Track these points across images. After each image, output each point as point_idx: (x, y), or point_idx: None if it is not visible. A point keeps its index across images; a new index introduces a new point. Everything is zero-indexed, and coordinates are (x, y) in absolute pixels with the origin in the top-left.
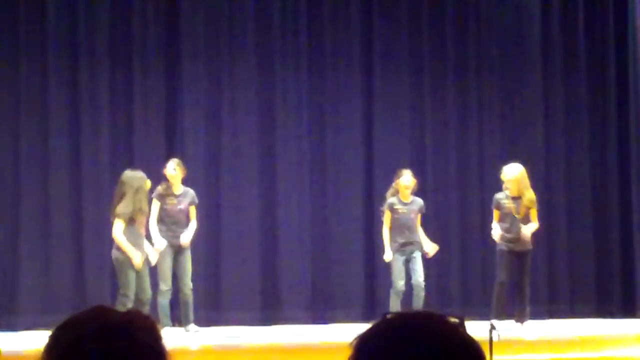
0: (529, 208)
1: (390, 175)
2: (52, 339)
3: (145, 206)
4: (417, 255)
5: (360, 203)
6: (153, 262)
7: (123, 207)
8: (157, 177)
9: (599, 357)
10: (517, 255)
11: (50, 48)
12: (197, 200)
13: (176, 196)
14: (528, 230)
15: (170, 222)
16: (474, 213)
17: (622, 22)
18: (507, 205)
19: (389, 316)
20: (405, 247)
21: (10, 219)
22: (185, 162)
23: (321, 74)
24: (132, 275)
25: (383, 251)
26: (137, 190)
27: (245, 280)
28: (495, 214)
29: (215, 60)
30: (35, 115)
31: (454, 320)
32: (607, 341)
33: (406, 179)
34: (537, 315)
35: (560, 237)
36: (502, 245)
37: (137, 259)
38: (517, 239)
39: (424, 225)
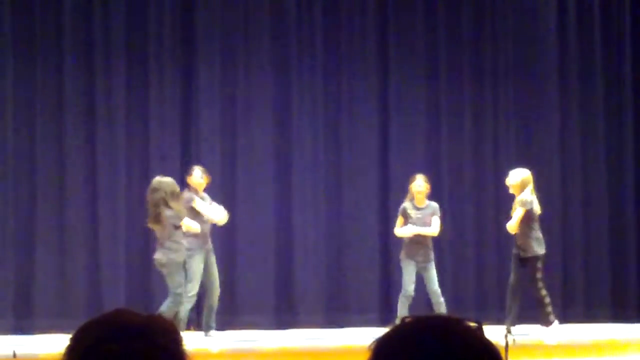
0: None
1: (406, 181)
2: (73, 340)
3: (183, 210)
4: (431, 265)
5: (375, 207)
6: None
7: (167, 214)
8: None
9: None
10: (521, 262)
11: (66, 49)
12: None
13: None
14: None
15: (203, 226)
16: (490, 217)
17: (638, 24)
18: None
19: (407, 320)
20: (419, 254)
21: (26, 222)
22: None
23: (337, 78)
24: (182, 276)
25: (400, 249)
26: (172, 194)
27: (261, 284)
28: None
29: (230, 64)
30: (50, 120)
31: (472, 324)
32: (622, 345)
33: (418, 184)
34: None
35: (575, 241)
36: (513, 249)
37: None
38: (519, 245)
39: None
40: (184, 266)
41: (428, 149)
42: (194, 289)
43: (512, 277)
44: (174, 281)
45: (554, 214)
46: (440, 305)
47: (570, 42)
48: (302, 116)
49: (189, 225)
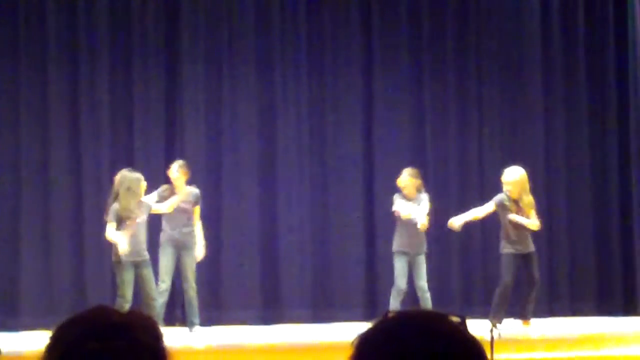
0: (527, 211)
1: (391, 175)
2: (53, 338)
3: (134, 207)
4: (421, 259)
5: (360, 202)
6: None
7: (112, 208)
8: (159, 177)
9: (599, 355)
10: (522, 258)
11: (49, 49)
12: (200, 201)
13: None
14: (522, 219)
15: (173, 222)
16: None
17: (622, 22)
18: (509, 207)
19: (390, 315)
20: (410, 248)
21: (10, 220)
22: (185, 162)
23: (321, 75)
24: (128, 276)
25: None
26: (127, 190)
27: (246, 280)
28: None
29: (215, 61)
30: (35, 117)
31: (455, 319)
32: (607, 339)
33: (401, 178)
34: (538, 313)
35: (560, 236)
36: (508, 249)
37: (123, 245)
38: (521, 241)
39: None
40: (133, 265)
41: (413, 144)
42: (164, 283)
43: (509, 277)
44: (117, 280)
45: (539, 206)
46: (426, 301)
47: (554, 38)
48: (287, 113)
49: (110, 235)
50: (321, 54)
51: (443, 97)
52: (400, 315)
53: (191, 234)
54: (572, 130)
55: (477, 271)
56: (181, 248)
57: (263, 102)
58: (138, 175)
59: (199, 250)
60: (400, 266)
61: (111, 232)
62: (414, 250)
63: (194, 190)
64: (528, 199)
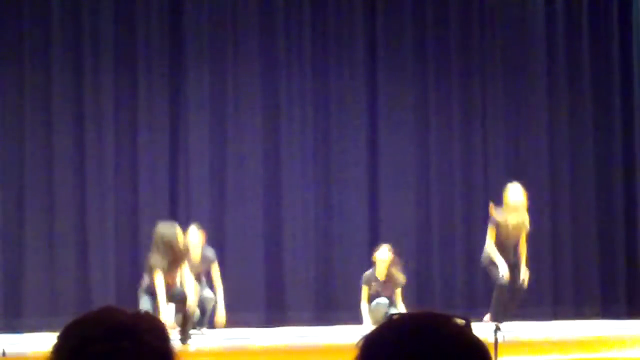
0: (520, 232)
1: (395, 179)
2: (60, 339)
3: (164, 261)
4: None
5: (364, 205)
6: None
7: (153, 260)
8: (163, 180)
9: (603, 358)
10: (510, 267)
11: (54, 51)
12: (216, 259)
13: (194, 266)
14: (525, 272)
15: None
16: (479, 216)
17: (626, 24)
18: (502, 225)
19: (394, 317)
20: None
21: (14, 221)
22: (190, 167)
23: (325, 77)
24: (145, 304)
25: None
26: (163, 243)
27: (250, 282)
28: (492, 231)
29: (219, 64)
30: (39, 118)
31: (460, 320)
32: (611, 342)
33: (380, 253)
34: (542, 316)
35: (564, 239)
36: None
37: (168, 320)
38: (515, 255)
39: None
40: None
41: (417, 146)
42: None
43: (503, 280)
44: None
45: (544, 211)
46: None
47: (559, 46)
48: (292, 116)
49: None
50: (325, 57)
51: (447, 99)
52: (405, 317)
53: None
54: (576, 136)
55: (480, 274)
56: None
57: (267, 106)
58: (171, 226)
59: (220, 314)
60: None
61: (162, 302)
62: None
63: (207, 252)
64: (527, 222)
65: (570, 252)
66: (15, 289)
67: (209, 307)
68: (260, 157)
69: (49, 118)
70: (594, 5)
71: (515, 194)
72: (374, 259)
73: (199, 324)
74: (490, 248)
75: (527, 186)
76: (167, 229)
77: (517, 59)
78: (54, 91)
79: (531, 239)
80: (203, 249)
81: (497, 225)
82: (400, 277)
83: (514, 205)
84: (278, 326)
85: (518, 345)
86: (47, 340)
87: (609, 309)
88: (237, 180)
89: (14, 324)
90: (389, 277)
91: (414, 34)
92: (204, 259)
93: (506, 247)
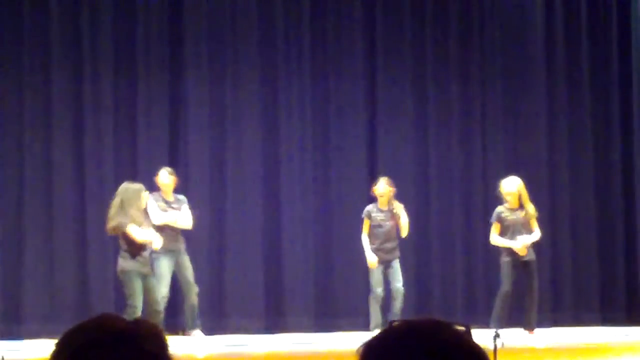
0: (529, 220)
1: (395, 186)
2: (59, 346)
3: (138, 218)
4: (396, 263)
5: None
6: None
7: (120, 218)
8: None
9: None
10: (522, 265)
11: (53, 55)
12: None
13: (170, 203)
14: (528, 239)
15: (169, 229)
16: (478, 222)
17: (625, 30)
18: (508, 217)
19: (395, 324)
20: (382, 253)
21: (14, 228)
22: (189, 171)
23: (324, 82)
24: (138, 284)
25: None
26: (130, 201)
27: (249, 288)
28: (497, 227)
29: (218, 68)
30: (38, 124)
31: (460, 327)
32: (611, 349)
33: (380, 187)
34: (541, 323)
35: (564, 245)
36: (506, 257)
37: (157, 240)
38: (524, 263)
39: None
40: (140, 273)
41: (416, 152)
42: (161, 291)
43: (507, 284)
44: (125, 291)
45: (543, 217)
46: (399, 303)
47: (558, 51)
48: (291, 121)
49: (132, 233)
50: (324, 61)
51: (446, 104)
52: (405, 324)
53: (182, 240)
54: (575, 142)
55: (480, 280)
56: (177, 255)
57: (266, 111)
58: (139, 186)
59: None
60: (375, 274)
61: (137, 231)
62: (388, 257)
63: (181, 197)
64: (531, 209)
65: (569, 259)
66: (14, 295)
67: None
68: (260, 165)
69: (47, 126)
70: (593, 12)
71: (507, 184)
72: (374, 193)
73: (193, 325)
74: (495, 240)
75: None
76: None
77: (516, 64)
78: (52, 99)
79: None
80: (176, 194)
81: (500, 220)
82: (399, 208)
83: (507, 196)
84: (277, 333)
85: (517, 352)
86: (46, 347)
87: (608, 316)
88: (236, 187)
89: (13, 330)
90: (391, 208)
91: (413, 39)
92: (178, 201)
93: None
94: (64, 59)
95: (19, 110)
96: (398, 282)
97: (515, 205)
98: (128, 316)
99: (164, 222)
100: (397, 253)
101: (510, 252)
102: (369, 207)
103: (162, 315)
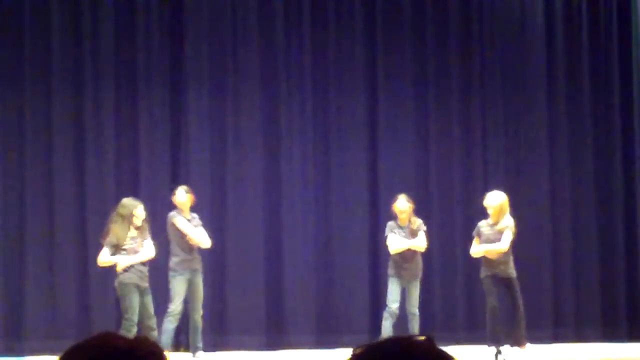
0: (501, 232)
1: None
2: None
3: (124, 235)
4: (416, 284)
5: (365, 228)
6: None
7: (110, 236)
8: (163, 202)
9: None
10: (502, 282)
11: (54, 73)
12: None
13: (189, 221)
14: (491, 246)
15: (187, 247)
16: None
17: (626, 39)
18: (485, 232)
19: (356, 351)
20: (404, 272)
21: (15, 245)
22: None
23: (325, 92)
24: (135, 298)
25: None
26: (125, 218)
27: (251, 305)
28: (477, 240)
29: (219, 83)
30: (40, 142)
31: (421, 338)
32: None
33: (400, 204)
34: (542, 339)
35: (565, 261)
36: (486, 272)
37: (121, 261)
38: (498, 263)
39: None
40: (138, 287)
41: (417, 166)
42: (175, 307)
43: (493, 299)
44: (122, 305)
45: (544, 233)
46: (415, 326)
47: (558, 52)
48: (291, 135)
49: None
50: (325, 72)
51: (447, 120)
52: (368, 349)
53: (200, 259)
54: (577, 151)
55: (481, 291)
56: (194, 275)
57: (267, 125)
58: (134, 202)
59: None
60: (393, 290)
61: (103, 255)
62: (410, 274)
63: (195, 215)
64: (504, 223)
65: (570, 274)
66: (16, 312)
67: (199, 327)
68: (261, 180)
69: (49, 144)
70: (593, 18)
71: (489, 198)
72: (394, 210)
73: (195, 348)
74: (472, 250)
75: (527, 205)
76: (129, 202)
77: (516, 75)
78: (54, 117)
79: (531, 260)
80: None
81: (478, 234)
82: (418, 222)
83: (488, 209)
84: (278, 349)
85: None
86: None
87: (609, 332)
88: (238, 203)
89: (14, 347)
90: (411, 224)
91: (414, 50)
92: (194, 218)
93: (490, 259)
94: (65, 80)
95: (20, 127)
96: (413, 307)
97: (495, 219)
98: (125, 330)
99: (208, 243)
100: (419, 273)
101: (487, 266)
102: (391, 224)
103: (155, 333)
